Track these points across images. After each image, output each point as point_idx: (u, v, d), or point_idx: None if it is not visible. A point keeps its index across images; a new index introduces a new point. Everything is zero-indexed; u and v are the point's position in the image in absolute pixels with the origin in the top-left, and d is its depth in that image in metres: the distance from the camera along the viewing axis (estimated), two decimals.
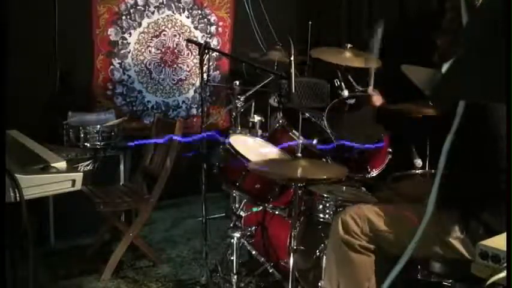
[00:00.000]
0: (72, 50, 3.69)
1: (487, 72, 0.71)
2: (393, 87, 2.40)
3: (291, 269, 2.18)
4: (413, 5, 3.84)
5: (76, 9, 3.72)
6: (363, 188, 2.60)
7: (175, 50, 4.25)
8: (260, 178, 2.32)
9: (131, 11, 3.99)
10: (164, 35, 4.17)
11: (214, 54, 4.33)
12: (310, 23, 4.25)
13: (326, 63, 2.75)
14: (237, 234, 2.48)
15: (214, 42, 4.40)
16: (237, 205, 2.64)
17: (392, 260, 1.04)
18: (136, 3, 4.01)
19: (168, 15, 4.17)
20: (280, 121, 2.73)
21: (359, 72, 2.78)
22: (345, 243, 1.86)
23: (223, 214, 3.77)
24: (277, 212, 2.64)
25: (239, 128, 2.67)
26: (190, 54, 4.32)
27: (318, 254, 2.40)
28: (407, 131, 2.28)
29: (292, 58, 2.29)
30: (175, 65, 4.27)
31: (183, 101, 4.37)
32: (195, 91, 4.39)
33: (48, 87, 3.63)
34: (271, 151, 2.54)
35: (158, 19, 4.13)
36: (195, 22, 4.32)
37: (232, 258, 2.47)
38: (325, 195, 2.41)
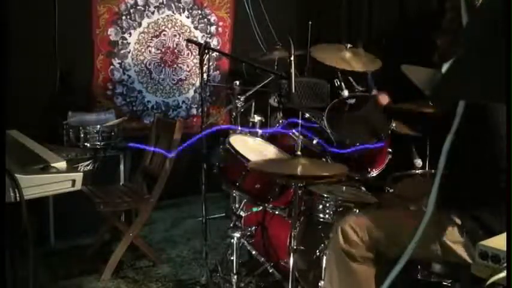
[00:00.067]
0: (72, 50, 3.69)
1: (487, 72, 0.71)
2: (393, 87, 2.40)
3: (291, 269, 2.18)
4: (413, 5, 3.84)
5: (76, 9, 3.72)
6: (363, 188, 2.60)
7: (175, 50, 4.25)
8: (260, 178, 2.32)
9: (131, 11, 3.99)
10: (164, 35, 4.17)
11: (214, 54, 4.33)
12: (310, 23, 4.25)
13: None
14: (237, 234, 2.48)
15: (214, 42, 4.40)
16: (237, 205, 2.64)
17: (393, 263, 1.03)
18: (136, 3, 4.01)
19: (168, 15, 4.17)
20: (280, 121, 2.73)
21: (359, 72, 2.78)
22: (346, 253, 1.85)
23: (223, 214, 3.77)
24: (277, 212, 2.64)
25: (239, 128, 2.67)
26: (190, 54, 4.32)
27: (318, 254, 2.40)
28: (423, 126, 2.26)
29: (292, 58, 2.30)
30: (175, 65, 4.27)
31: (183, 101, 4.37)
32: (195, 91, 4.39)
33: (48, 87, 3.63)
34: (271, 151, 2.54)
35: (158, 19, 4.13)
36: (195, 22, 4.33)
37: (232, 258, 2.47)
38: (325, 195, 2.41)
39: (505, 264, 1.10)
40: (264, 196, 2.41)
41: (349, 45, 2.81)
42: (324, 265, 2.27)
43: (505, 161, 1.63)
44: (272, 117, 3.20)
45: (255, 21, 4.44)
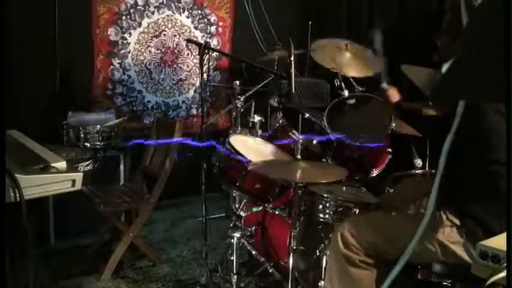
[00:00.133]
0: (72, 50, 3.69)
1: (487, 72, 0.71)
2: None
3: (290, 269, 2.17)
4: (413, 5, 3.84)
5: (76, 9, 3.72)
6: (363, 188, 2.60)
7: (175, 50, 4.25)
8: (260, 178, 2.32)
9: (131, 11, 3.99)
10: (164, 35, 4.17)
11: (214, 54, 4.33)
12: (310, 23, 4.25)
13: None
14: (237, 234, 2.48)
15: (214, 42, 4.40)
16: (237, 205, 2.64)
17: (393, 266, 1.03)
18: (136, 3, 4.01)
19: (168, 15, 4.17)
20: (280, 121, 2.73)
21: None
22: (345, 258, 1.85)
23: (223, 214, 3.77)
24: (277, 212, 2.64)
25: (239, 128, 2.67)
26: (190, 54, 4.32)
27: (318, 254, 2.40)
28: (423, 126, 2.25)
29: (292, 58, 2.29)
30: (175, 65, 4.27)
31: (183, 101, 4.37)
32: (195, 91, 4.39)
33: (48, 87, 3.64)
34: (271, 151, 2.54)
35: (158, 19, 4.13)
36: (195, 22, 4.33)
37: (232, 258, 2.47)
38: (325, 195, 2.41)
39: (505, 264, 1.10)
40: (264, 196, 2.41)
41: (349, 45, 2.81)
42: (324, 265, 2.27)
43: (497, 165, 1.63)
44: (272, 117, 3.20)
45: (255, 21, 4.44)
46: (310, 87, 3.68)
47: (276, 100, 3.15)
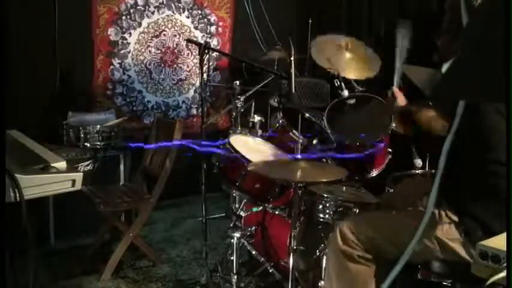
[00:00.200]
0: (72, 50, 3.69)
1: (487, 72, 0.71)
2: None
3: (290, 269, 2.18)
4: (413, 5, 3.84)
5: (76, 9, 3.72)
6: (363, 188, 2.60)
7: (175, 50, 4.25)
8: (260, 178, 2.32)
9: (131, 11, 3.99)
10: (164, 35, 4.17)
11: (214, 54, 4.33)
12: (310, 21, 4.25)
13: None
14: (237, 234, 2.48)
15: (214, 42, 4.40)
16: (237, 205, 2.64)
17: (393, 263, 1.03)
18: (136, 3, 4.01)
19: (168, 15, 4.17)
20: (280, 121, 2.73)
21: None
22: (344, 253, 1.85)
23: (223, 214, 3.77)
24: (277, 212, 2.64)
25: (239, 128, 2.66)
26: (190, 54, 4.32)
27: (318, 254, 2.40)
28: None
29: (292, 58, 2.29)
30: (175, 65, 4.27)
31: (183, 101, 4.37)
32: (195, 91, 4.39)
33: (48, 87, 3.64)
34: (271, 151, 2.54)
35: (158, 19, 4.13)
36: (195, 22, 4.33)
37: (232, 258, 2.47)
38: (325, 195, 2.41)
39: (505, 264, 1.10)
40: (264, 196, 2.41)
41: (349, 45, 2.80)
42: (323, 265, 2.27)
43: (497, 165, 1.63)
44: (272, 117, 3.20)
45: (255, 21, 4.45)
46: (310, 87, 3.68)
47: (276, 100, 3.15)
